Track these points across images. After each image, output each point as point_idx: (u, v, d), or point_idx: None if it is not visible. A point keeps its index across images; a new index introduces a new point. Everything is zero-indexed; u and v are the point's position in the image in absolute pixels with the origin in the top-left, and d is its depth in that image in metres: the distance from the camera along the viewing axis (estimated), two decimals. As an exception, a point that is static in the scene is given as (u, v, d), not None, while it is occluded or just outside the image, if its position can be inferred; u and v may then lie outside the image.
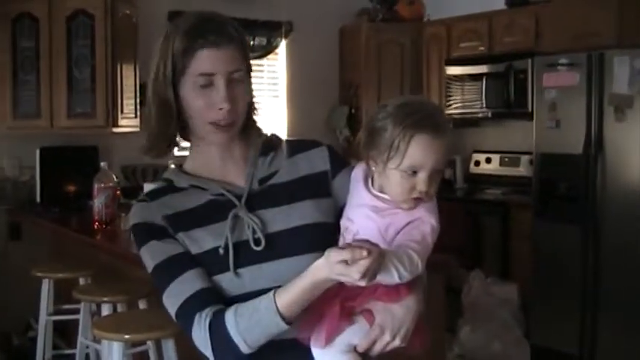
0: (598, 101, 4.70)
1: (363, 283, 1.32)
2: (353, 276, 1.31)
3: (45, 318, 4.30)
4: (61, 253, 5.06)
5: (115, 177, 4.26)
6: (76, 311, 4.14)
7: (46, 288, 4.28)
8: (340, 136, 6.72)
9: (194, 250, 1.57)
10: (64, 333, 4.80)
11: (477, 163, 6.47)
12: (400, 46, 6.63)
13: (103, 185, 4.11)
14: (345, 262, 1.31)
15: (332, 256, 1.34)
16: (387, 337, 1.47)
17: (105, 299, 3.73)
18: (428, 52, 6.52)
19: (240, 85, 1.57)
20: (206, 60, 1.52)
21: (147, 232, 1.59)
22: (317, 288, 1.42)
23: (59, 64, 5.15)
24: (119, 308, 3.75)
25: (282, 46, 6.61)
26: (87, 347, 4.22)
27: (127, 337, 3.13)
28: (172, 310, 1.56)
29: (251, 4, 6.24)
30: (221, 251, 1.55)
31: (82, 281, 4.23)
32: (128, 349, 3.38)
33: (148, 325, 3.19)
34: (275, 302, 1.44)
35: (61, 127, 5.19)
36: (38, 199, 5.20)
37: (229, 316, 1.48)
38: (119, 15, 5.32)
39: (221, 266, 1.55)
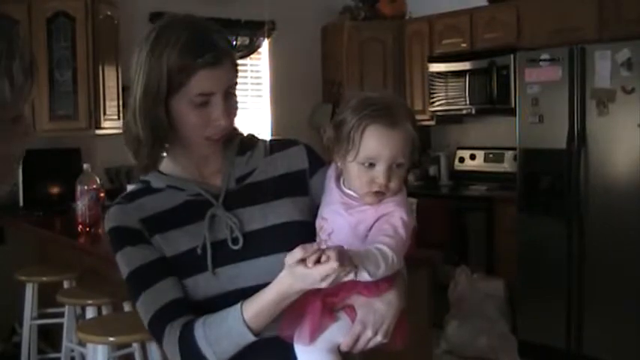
0: (580, 96, 4.72)
1: (324, 285, 1.32)
2: (315, 278, 1.31)
3: (29, 322, 4.28)
4: (44, 257, 5.03)
5: (98, 179, 4.23)
6: (61, 315, 4.12)
7: (30, 292, 4.25)
8: (324, 134, 6.69)
9: (171, 251, 1.56)
10: (49, 337, 4.77)
11: (462, 160, 6.48)
12: (382, 43, 6.63)
13: (86, 187, 4.08)
14: (303, 261, 1.31)
15: (287, 259, 1.34)
16: (369, 333, 1.47)
17: (89, 302, 3.71)
18: (410, 49, 6.52)
19: (233, 97, 1.57)
20: (205, 81, 1.49)
21: (122, 237, 1.58)
22: (283, 299, 1.42)
23: (40, 66, 5.07)
24: (104, 311, 3.74)
25: (265, 46, 6.60)
26: (72, 351, 4.20)
27: (111, 339, 3.12)
28: (145, 319, 1.55)
29: (233, 4, 6.23)
30: (199, 251, 1.54)
31: (66, 284, 4.20)
32: (113, 351, 3.37)
33: (132, 328, 3.17)
34: (242, 314, 1.44)
35: (43, 130, 5.15)
36: (21, 202, 5.16)
37: (198, 327, 1.48)
38: (100, 16, 5.29)
39: (199, 266, 1.54)
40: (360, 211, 1.51)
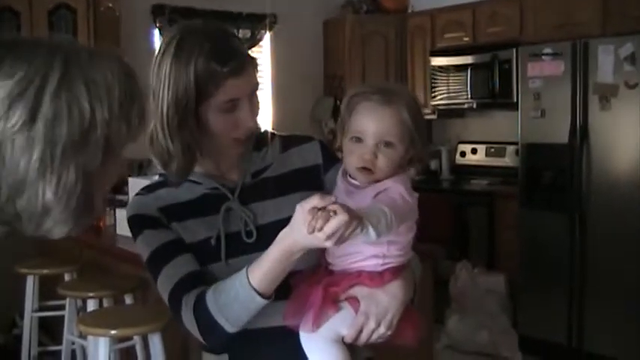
0: (583, 90, 4.71)
1: (328, 244, 1.31)
2: (318, 235, 1.30)
3: (30, 315, 4.27)
4: (45, 249, 5.02)
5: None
6: (62, 307, 4.11)
7: (30, 284, 4.25)
8: (325, 128, 6.70)
9: (187, 239, 1.60)
10: (50, 330, 4.76)
11: (463, 154, 6.47)
12: (384, 37, 6.62)
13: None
14: (316, 210, 1.31)
15: (301, 206, 1.34)
16: (371, 324, 1.48)
17: (90, 295, 3.70)
18: (412, 43, 6.51)
19: (256, 97, 1.61)
20: (233, 88, 1.52)
21: (142, 223, 1.61)
22: (286, 257, 1.43)
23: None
24: (105, 303, 3.73)
25: (267, 39, 6.58)
26: (73, 343, 4.19)
27: (113, 332, 3.11)
28: (165, 296, 1.58)
29: (235, -4, 6.21)
30: (213, 242, 1.58)
31: (67, 277, 4.20)
32: (114, 344, 3.36)
33: (134, 320, 3.17)
34: (248, 278, 1.46)
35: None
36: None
37: (209, 295, 1.50)
38: (101, 9, 5.28)
39: (212, 256, 1.58)
40: (360, 193, 1.53)
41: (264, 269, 1.45)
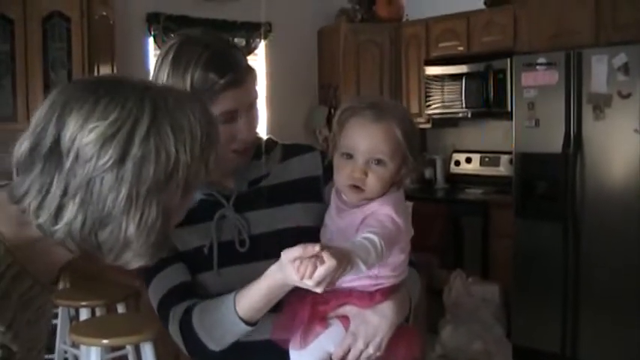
0: (577, 100, 4.72)
1: (319, 290, 1.30)
2: (307, 283, 1.29)
3: (22, 323, 4.24)
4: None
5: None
6: (54, 316, 4.10)
7: (23, 293, 4.22)
8: (320, 136, 6.70)
9: (180, 247, 1.58)
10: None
11: (457, 163, 6.48)
12: (379, 46, 6.62)
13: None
14: (299, 260, 1.28)
15: (284, 255, 1.32)
16: (360, 345, 1.46)
17: (83, 304, 3.69)
18: (407, 52, 6.52)
19: (255, 109, 1.58)
20: (230, 100, 1.50)
21: None
22: (274, 293, 1.42)
23: (35, 66, 5.09)
24: (97, 312, 3.71)
25: (262, 47, 6.59)
26: (65, 352, 4.17)
27: (105, 341, 3.10)
28: (154, 305, 1.58)
29: (230, 5, 6.22)
30: (206, 250, 1.57)
31: (60, 285, 4.17)
32: (107, 353, 3.35)
33: (126, 329, 3.16)
34: (235, 305, 1.45)
35: (37, 131, 5.12)
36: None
37: (195, 314, 1.50)
38: (95, 17, 5.27)
39: (205, 265, 1.57)
40: (349, 214, 1.51)
41: (252, 299, 1.43)
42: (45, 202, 1.05)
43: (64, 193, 1.04)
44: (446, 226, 5.73)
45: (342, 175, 1.51)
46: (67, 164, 1.04)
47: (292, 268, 1.29)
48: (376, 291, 1.47)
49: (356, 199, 1.50)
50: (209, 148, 1.13)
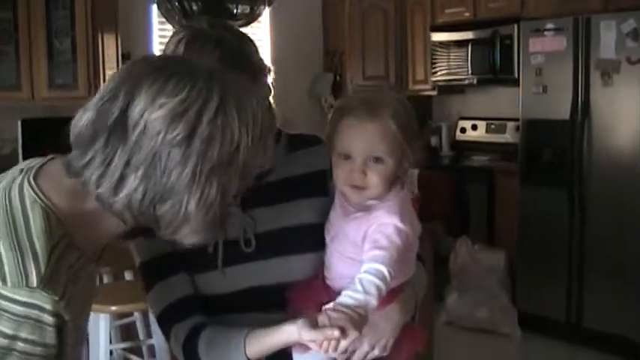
0: (585, 66, 4.68)
1: (343, 358, 1.33)
2: (332, 355, 1.30)
3: (30, 291, 4.26)
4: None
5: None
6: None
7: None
8: (325, 104, 6.67)
9: (180, 246, 1.55)
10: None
11: (463, 130, 6.45)
12: (384, 12, 6.56)
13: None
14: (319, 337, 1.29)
15: (303, 333, 1.32)
16: (365, 347, 1.46)
17: (90, 272, 3.69)
18: (412, 18, 6.45)
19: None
20: None
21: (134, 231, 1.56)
22: (287, 345, 1.42)
23: (38, 34, 5.05)
24: (105, 279, 3.73)
25: (266, 14, 6.53)
26: (73, 320, 4.19)
27: (113, 308, 3.11)
28: (155, 311, 1.57)
29: (233, -29, 6.15)
30: (210, 249, 1.53)
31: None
32: (115, 320, 3.36)
33: (134, 296, 3.17)
34: (245, 348, 1.44)
35: (42, 99, 5.11)
36: (20, 171, 5.13)
37: (202, 342, 1.49)
38: (99, -17, 5.23)
39: (209, 264, 1.54)
40: (354, 219, 1.48)
41: (263, 347, 1.43)
42: (107, 172, 1.09)
43: (127, 164, 1.08)
44: (452, 194, 5.72)
45: (342, 177, 1.48)
46: (133, 137, 1.07)
47: (315, 346, 1.31)
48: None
49: (358, 199, 1.48)
50: (267, 135, 1.18)
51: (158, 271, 1.55)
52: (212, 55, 1.44)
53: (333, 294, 1.42)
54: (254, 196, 1.55)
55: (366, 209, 1.48)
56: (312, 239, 1.56)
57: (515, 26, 5.36)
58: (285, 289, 1.52)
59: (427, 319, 3.63)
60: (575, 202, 4.79)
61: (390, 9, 6.55)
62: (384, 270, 1.36)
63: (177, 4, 5.87)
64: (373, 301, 1.33)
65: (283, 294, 1.51)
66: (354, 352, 1.45)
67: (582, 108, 4.70)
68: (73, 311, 1.14)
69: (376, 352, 1.47)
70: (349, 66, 6.63)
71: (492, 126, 6.21)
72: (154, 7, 5.88)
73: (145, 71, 1.11)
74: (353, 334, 1.26)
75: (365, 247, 1.43)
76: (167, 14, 5.90)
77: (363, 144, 1.45)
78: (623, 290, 4.59)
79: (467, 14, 5.95)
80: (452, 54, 5.99)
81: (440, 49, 6.09)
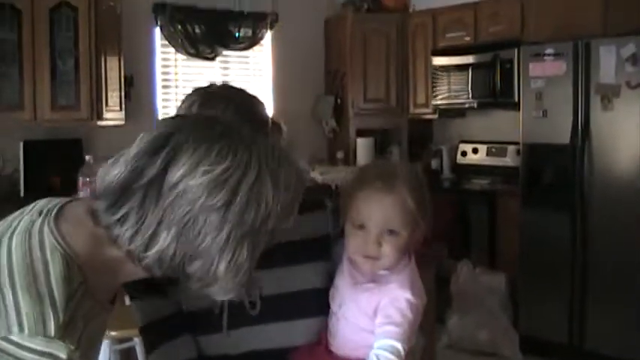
0: (585, 90, 4.70)
1: None
2: None
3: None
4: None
5: (100, 170, 4.21)
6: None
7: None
8: (326, 127, 6.69)
9: (187, 307, 1.55)
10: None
11: (464, 154, 6.47)
12: (386, 36, 6.60)
13: (88, 179, 4.07)
14: None
15: None
16: None
17: (91, 294, 3.68)
18: (414, 42, 6.49)
19: None
20: None
21: (138, 287, 1.49)
22: None
23: (42, 55, 5.09)
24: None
25: (268, 37, 6.57)
26: (73, 342, 4.18)
27: (113, 333, 3.10)
28: None
29: (236, -5, 6.21)
30: (216, 311, 1.53)
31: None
32: (114, 345, 3.35)
33: (133, 321, 3.15)
34: None
35: (45, 120, 5.13)
36: (22, 192, 5.14)
37: None
38: (103, 7, 5.28)
39: (214, 326, 1.53)
40: (365, 290, 1.50)
41: None
42: (140, 229, 1.11)
43: (159, 223, 1.11)
44: (453, 216, 5.73)
45: (355, 247, 1.49)
46: (169, 198, 1.10)
47: None
48: None
49: (370, 269, 1.50)
50: (296, 201, 1.22)
51: (162, 332, 1.53)
52: (225, 113, 1.48)
53: None
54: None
55: (377, 280, 1.49)
56: (316, 304, 1.57)
57: (516, 50, 5.39)
58: (287, 353, 1.52)
59: (428, 341, 3.61)
60: (577, 225, 4.79)
61: (392, 32, 6.59)
62: (399, 346, 1.39)
63: (179, 27, 5.93)
64: None
65: (285, 358, 1.52)
66: None
67: (582, 132, 4.71)
68: (85, 356, 1.13)
69: None
70: (350, 88, 6.66)
71: (493, 149, 6.22)
72: (157, 29, 5.94)
73: (187, 137, 1.14)
74: None
75: (377, 321, 1.45)
76: (170, 37, 5.96)
77: (379, 216, 1.46)
78: (626, 313, 4.58)
79: (467, 38, 5.99)
80: (453, 78, 6.02)
81: (441, 73, 6.12)
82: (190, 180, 1.10)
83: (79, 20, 5.16)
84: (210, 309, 1.52)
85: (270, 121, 1.55)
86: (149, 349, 1.56)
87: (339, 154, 6.62)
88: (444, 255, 3.97)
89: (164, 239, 1.11)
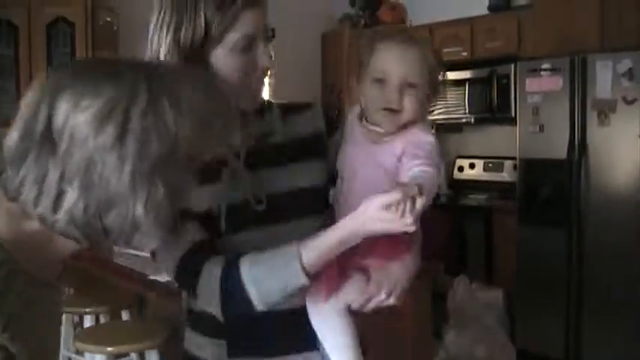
0: (581, 106, 4.71)
1: (414, 228, 1.27)
2: (407, 222, 1.25)
3: (26, 329, 4.24)
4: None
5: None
6: (58, 322, 4.08)
7: (27, 299, 4.21)
8: (323, 142, 6.70)
9: (193, 209, 1.45)
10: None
11: (461, 169, 6.47)
12: (383, 51, 6.61)
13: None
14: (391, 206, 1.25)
15: (373, 204, 1.28)
16: (382, 295, 1.44)
17: (87, 310, 3.68)
18: (410, 57, 6.50)
19: (270, 42, 1.48)
20: (249, 22, 1.41)
21: None
22: (343, 245, 1.35)
23: (39, 71, 5.07)
24: (102, 319, 3.71)
25: (265, 53, 6.58)
26: (69, 359, 4.17)
27: (109, 349, 3.10)
28: (172, 264, 1.44)
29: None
30: (222, 210, 1.46)
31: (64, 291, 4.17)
32: (111, 360, 3.33)
33: (131, 336, 3.15)
34: (301, 259, 1.35)
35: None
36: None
37: (244, 264, 1.38)
38: (100, 22, 5.27)
39: (219, 228, 1.46)
40: (385, 142, 1.48)
41: (320, 252, 1.35)
42: (43, 189, 1.01)
43: (61, 178, 1.01)
44: (449, 232, 5.72)
45: (376, 100, 1.48)
46: (63, 147, 1.00)
47: (387, 214, 1.26)
48: (401, 244, 1.43)
49: (390, 125, 1.48)
50: (211, 119, 1.10)
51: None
52: None
53: (354, 248, 1.39)
54: (258, 156, 1.52)
55: (397, 132, 1.48)
56: (320, 202, 1.55)
57: (512, 66, 5.41)
58: None
59: (426, 357, 3.60)
60: (573, 240, 4.78)
61: (388, 48, 6.60)
62: (432, 171, 1.37)
63: None
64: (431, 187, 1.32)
65: None
66: (369, 300, 1.44)
67: (579, 147, 4.72)
68: (29, 343, 1.08)
69: (391, 301, 1.45)
70: (347, 104, 6.67)
71: (490, 165, 6.23)
72: (154, 45, 5.94)
73: (64, 76, 1.05)
74: (421, 198, 1.25)
75: (405, 161, 1.43)
76: None
77: (401, 67, 1.47)
78: (622, 328, 4.57)
79: (464, 54, 6.00)
80: (449, 93, 6.03)
81: (437, 88, 6.13)
82: (74, 120, 0.99)
83: (75, 36, 5.16)
84: (211, 211, 1.45)
85: None
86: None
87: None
88: (439, 270, 3.97)
89: (70, 195, 1.00)
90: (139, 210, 1.03)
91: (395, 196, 1.25)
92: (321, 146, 1.63)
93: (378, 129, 1.51)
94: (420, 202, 1.25)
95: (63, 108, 1.01)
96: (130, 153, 1.00)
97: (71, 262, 1.21)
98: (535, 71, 4.96)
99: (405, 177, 1.39)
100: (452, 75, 5.98)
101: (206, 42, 1.40)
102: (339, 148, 1.59)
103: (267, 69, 1.46)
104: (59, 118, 1.00)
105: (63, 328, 4.01)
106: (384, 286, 1.44)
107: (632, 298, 4.51)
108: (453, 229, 5.74)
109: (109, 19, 5.37)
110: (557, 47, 5.05)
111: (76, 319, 4.00)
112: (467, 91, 5.88)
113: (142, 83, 1.03)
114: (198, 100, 1.08)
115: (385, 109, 1.47)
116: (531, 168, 5.05)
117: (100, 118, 1.00)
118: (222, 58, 1.42)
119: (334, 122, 1.67)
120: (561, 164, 4.80)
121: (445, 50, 6.15)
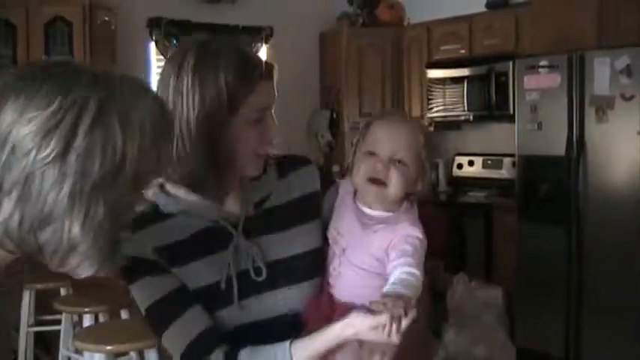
0: (579, 102, 4.71)
1: (398, 341, 1.34)
2: (393, 340, 1.33)
3: (26, 329, 4.25)
4: (41, 263, 5.00)
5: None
6: (58, 322, 4.10)
7: (26, 299, 4.22)
8: (322, 140, 6.69)
9: (191, 285, 1.48)
10: (46, 344, 4.73)
11: (460, 166, 6.47)
12: (381, 50, 6.62)
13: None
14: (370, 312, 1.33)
15: (363, 320, 1.35)
16: (376, 358, 1.45)
17: (86, 310, 3.69)
18: (409, 55, 6.51)
19: (272, 109, 1.54)
20: (265, 94, 1.46)
21: (139, 268, 1.46)
22: (331, 347, 1.42)
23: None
24: (101, 318, 3.71)
25: (263, 52, 6.58)
26: (69, 359, 4.17)
27: (108, 348, 3.10)
28: (177, 352, 1.48)
29: (231, 9, 6.22)
30: (222, 285, 1.48)
31: (63, 292, 4.18)
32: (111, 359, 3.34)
33: (130, 336, 3.15)
34: (290, 353, 1.42)
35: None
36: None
37: (244, 357, 1.44)
38: (97, 22, 5.28)
39: (223, 300, 1.48)
40: (376, 231, 1.50)
41: (309, 353, 1.41)
42: None
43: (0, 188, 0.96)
44: (449, 230, 5.73)
45: (364, 170, 1.51)
46: (3, 157, 0.96)
47: (375, 334, 1.34)
48: None
49: (375, 197, 1.51)
50: (160, 142, 1.06)
51: (172, 308, 1.46)
52: (229, 56, 1.44)
53: (340, 308, 1.45)
54: (256, 223, 1.55)
55: (387, 221, 1.50)
56: (319, 263, 1.56)
57: (511, 63, 5.41)
58: (299, 316, 1.50)
59: (425, 356, 3.61)
60: (573, 237, 4.78)
61: (387, 46, 6.60)
62: (418, 273, 1.41)
63: (174, 41, 5.94)
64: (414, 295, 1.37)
65: (295, 321, 1.50)
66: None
67: (577, 144, 4.72)
68: None
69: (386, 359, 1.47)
70: (346, 103, 6.67)
71: (489, 162, 6.23)
72: (152, 44, 5.94)
73: (11, 82, 0.99)
74: (412, 313, 1.31)
75: (392, 257, 1.45)
76: (165, 51, 5.96)
77: (391, 141, 1.50)
78: (622, 326, 4.57)
79: (462, 51, 6.01)
80: (448, 91, 6.04)
81: (436, 86, 6.14)
82: (18, 131, 0.95)
83: (73, 35, 5.17)
84: (217, 283, 1.47)
85: (263, 63, 1.50)
86: (160, 329, 1.48)
87: (335, 168, 6.62)
88: (439, 268, 3.97)
89: (6, 206, 0.96)
90: (76, 229, 0.98)
91: (381, 319, 1.32)
92: (316, 206, 1.64)
93: (368, 210, 1.53)
94: (405, 323, 1.32)
95: (7, 116, 0.96)
96: (71, 170, 0.96)
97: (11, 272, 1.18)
98: (533, 68, 4.95)
99: (390, 270, 1.43)
100: (450, 73, 5.99)
101: (229, 111, 1.43)
102: (331, 212, 1.62)
103: (272, 142, 1.51)
104: (2, 127, 0.96)
105: (62, 328, 4.02)
106: (376, 350, 1.44)
107: (631, 295, 4.51)
108: (452, 227, 5.74)
109: (106, 18, 5.38)
110: (555, 44, 5.05)
111: (75, 318, 4.00)
112: (465, 89, 5.88)
113: (93, 97, 0.98)
114: (148, 120, 1.03)
115: (371, 179, 1.49)
116: (530, 165, 5.05)
117: (45, 131, 0.95)
118: (241, 128, 1.45)
119: (329, 181, 1.69)
120: (560, 161, 4.79)
121: (443, 48, 6.17)
